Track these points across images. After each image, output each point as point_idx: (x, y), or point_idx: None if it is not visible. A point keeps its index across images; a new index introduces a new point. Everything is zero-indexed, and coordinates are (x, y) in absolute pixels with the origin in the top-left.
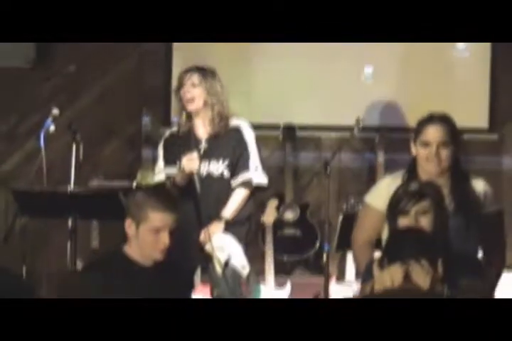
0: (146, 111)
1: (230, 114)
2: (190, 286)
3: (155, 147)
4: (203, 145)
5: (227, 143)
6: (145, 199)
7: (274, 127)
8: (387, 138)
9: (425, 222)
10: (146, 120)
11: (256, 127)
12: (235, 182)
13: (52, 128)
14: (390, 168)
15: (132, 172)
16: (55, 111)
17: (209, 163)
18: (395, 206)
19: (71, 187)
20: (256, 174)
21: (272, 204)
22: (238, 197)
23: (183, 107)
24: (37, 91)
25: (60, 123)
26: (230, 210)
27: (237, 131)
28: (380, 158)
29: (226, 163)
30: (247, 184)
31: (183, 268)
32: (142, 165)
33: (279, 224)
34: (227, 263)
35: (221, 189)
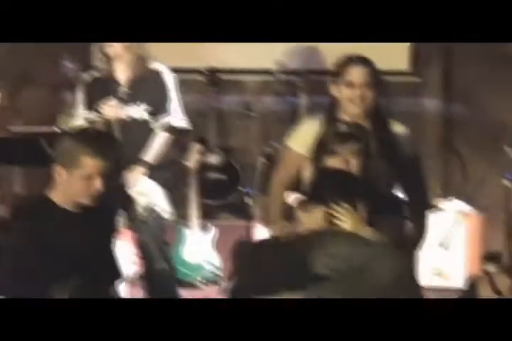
0: (66, 55)
1: (150, 58)
2: (113, 231)
3: (76, 91)
4: (123, 90)
5: (147, 87)
6: (75, 145)
7: (197, 71)
8: (309, 81)
9: (353, 164)
10: (66, 64)
11: (179, 71)
12: (156, 126)
13: None
14: (312, 110)
15: (54, 118)
16: None
17: (130, 108)
18: (323, 147)
19: None
20: (177, 118)
21: (196, 148)
22: (159, 141)
23: (102, 50)
24: None
25: None
26: (151, 154)
27: (158, 75)
28: (303, 100)
29: (147, 107)
30: (168, 128)
31: (106, 213)
32: (64, 110)
33: (202, 168)
34: (149, 209)
35: (143, 133)
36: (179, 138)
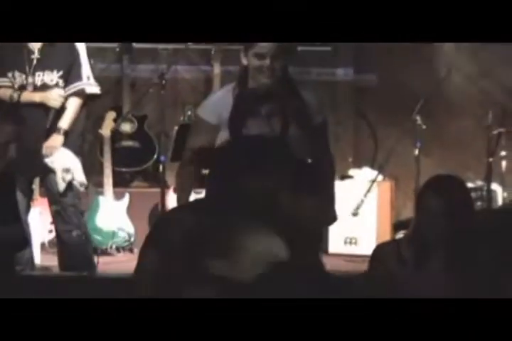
0: None
1: None
2: (29, 197)
3: None
4: (36, 56)
5: (59, 54)
6: None
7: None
8: (222, 50)
9: (277, 124)
10: None
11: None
12: (67, 92)
13: None
14: (225, 79)
15: None
16: None
17: (43, 74)
18: (240, 111)
19: None
20: (88, 83)
21: (110, 116)
22: (72, 107)
23: None
24: None
25: None
26: (66, 120)
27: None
28: (216, 69)
29: (60, 73)
30: (79, 93)
31: (22, 180)
32: None
33: (116, 136)
34: (65, 177)
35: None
36: (91, 104)
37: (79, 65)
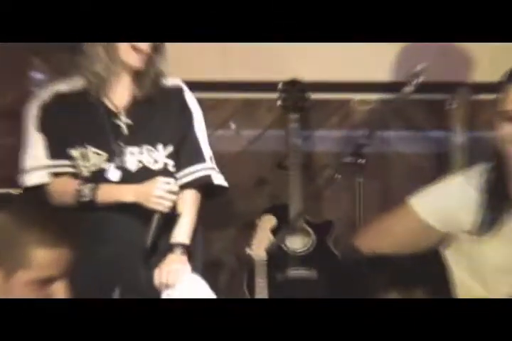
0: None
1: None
2: None
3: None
4: (124, 121)
5: (163, 116)
6: (17, 226)
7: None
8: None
9: None
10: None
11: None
12: (183, 179)
13: None
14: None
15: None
16: None
17: (140, 151)
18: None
19: None
20: (212, 168)
21: (266, 224)
22: (193, 205)
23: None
24: None
25: None
26: (186, 230)
27: (177, 95)
28: (458, 137)
29: (170, 148)
30: (202, 184)
31: None
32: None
33: (279, 258)
34: None
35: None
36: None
37: (195, 137)
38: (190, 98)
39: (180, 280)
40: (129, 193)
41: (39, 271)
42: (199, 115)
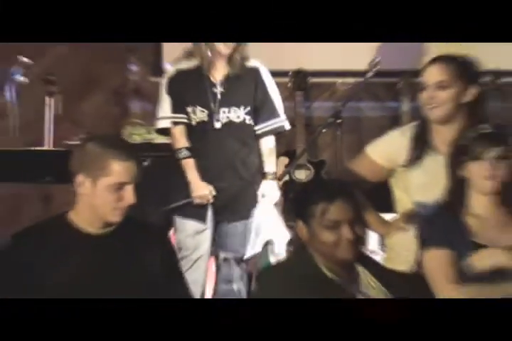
0: (133, 58)
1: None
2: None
3: (144, 99)
4: (219, 90)
5: (246, 87)
6: (102, 148)
7: (281, 73)
8: (412, 84)
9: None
10: (133, 68)
11: None
12: (264, 129)
13: (23, 79)
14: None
15: (119, 129)
16: (24, 60)
17: (228, 110)
18: (463, 151)
19: (48, 146)
20: (285, 120)
21: (281, 162)
22: (273, 146)
23: (200, 49)
24: None
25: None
26: (272, 163)
27: (256, 73)
28: (405, 106)
29: (248, 108)
30: (277, 131)
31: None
32: (130, 121)
33: (289, 185)
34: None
35: (245, 137)
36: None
37: (272, 100)
38: (266, 74)
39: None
40: (200, 188)
41: (116, 178)
42: (272, 85)
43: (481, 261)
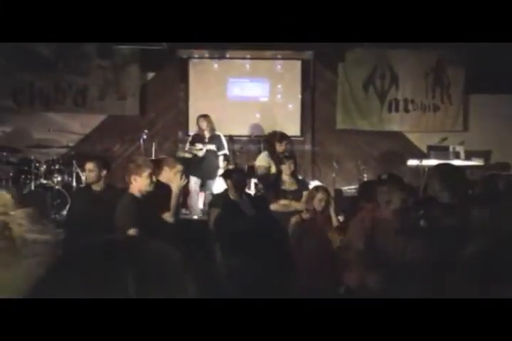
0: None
1: (215, 129)
2: None
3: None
4: (207, 140)
5: (215, 139)
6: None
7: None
8: None
9: None
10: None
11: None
12: (219, 154)
13: None
14: None
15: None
16: None
17: (208, 146)
18: None
19: None
20: (226, 151)
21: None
22: (221, 160)
23: (199, 128)
24: None
25: None
26: (222, 166)
27: (218, 135)
28: None
29: (215, 145)
30: (224, 154)
31: None
32: (179, 148)
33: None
34: None
35: (213, 157)
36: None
37: (222, 144)
38: (221, 135)
39: None
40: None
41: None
42: (223, 139)
43: None
